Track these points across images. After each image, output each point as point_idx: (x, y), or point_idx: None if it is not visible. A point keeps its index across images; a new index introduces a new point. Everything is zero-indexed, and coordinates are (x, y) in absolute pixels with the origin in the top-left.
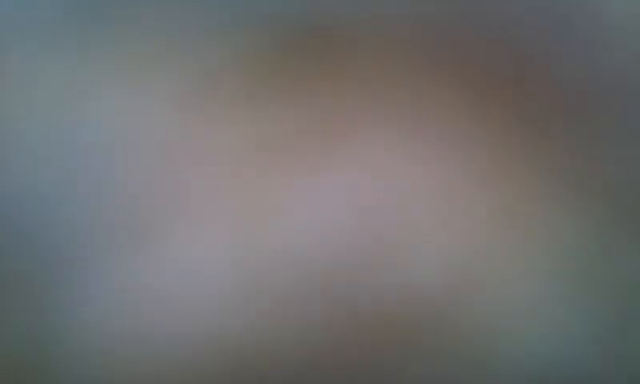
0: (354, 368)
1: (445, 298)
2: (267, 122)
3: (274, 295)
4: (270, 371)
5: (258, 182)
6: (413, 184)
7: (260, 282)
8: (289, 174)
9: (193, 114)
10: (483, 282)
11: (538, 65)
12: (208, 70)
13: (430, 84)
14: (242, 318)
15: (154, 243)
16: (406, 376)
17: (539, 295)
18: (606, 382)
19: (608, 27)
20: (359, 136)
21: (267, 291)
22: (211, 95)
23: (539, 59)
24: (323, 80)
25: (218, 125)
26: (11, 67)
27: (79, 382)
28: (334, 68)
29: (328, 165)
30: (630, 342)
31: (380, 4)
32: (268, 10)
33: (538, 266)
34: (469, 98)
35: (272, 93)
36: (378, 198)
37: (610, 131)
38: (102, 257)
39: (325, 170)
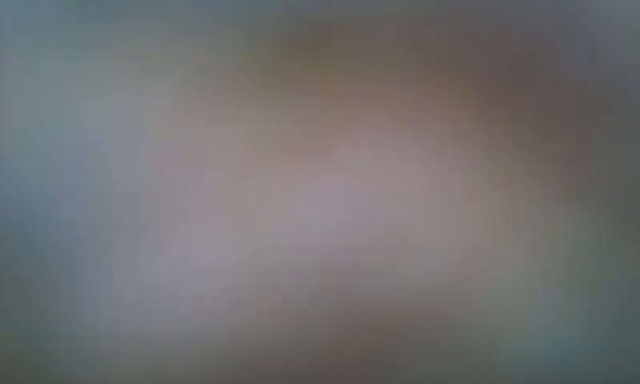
0: (353, 367)
1: (445, 298)
2: (267, 122)
3: (275, 294)
4: (270, 370)
5: (259, 182)
6: (413, 184)
7: (260, 281)
8: (289, 173)
9: (193, 114)
10: (483, 281)
11: (539, 65)
12: (208, 69)
13: (430, 84)
14: (243, 317)
15: (154, 243)
16: (406, 376)
17: (539, 295)
18: (606, 382)
19: (609, 27)
20: (359, 136)
21: (267, 290)
22: (211, 95)
23: (540, 59)
24: (323, 80)
25: (218, 125)
26: (11, 67)
27: (79, 381)
28: (334, 68)
29: (328, 165)
30: (629, 342)
31: (380, 4)
32: (268, 9)
33: (537, 266)
34: (469, 98)
35: (272, 93)
36: (378, 197)
37: (610, 132)
38: (102, 257)
39: (325, 169)
